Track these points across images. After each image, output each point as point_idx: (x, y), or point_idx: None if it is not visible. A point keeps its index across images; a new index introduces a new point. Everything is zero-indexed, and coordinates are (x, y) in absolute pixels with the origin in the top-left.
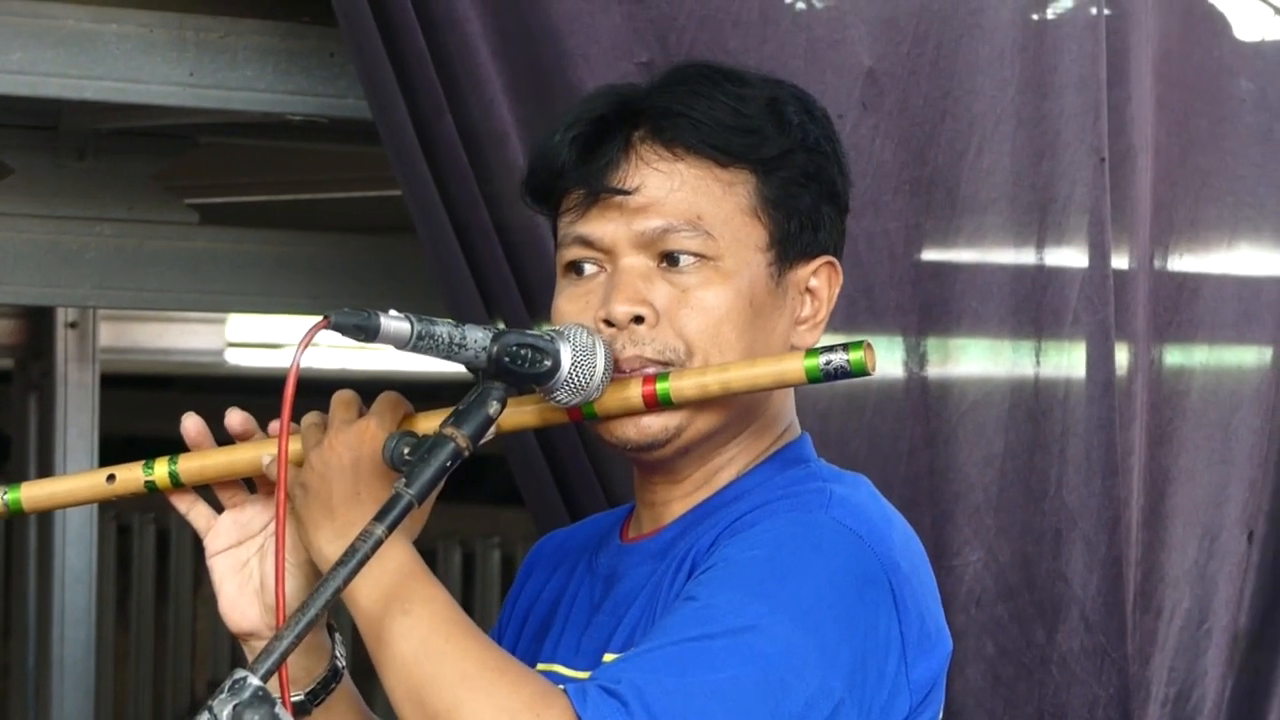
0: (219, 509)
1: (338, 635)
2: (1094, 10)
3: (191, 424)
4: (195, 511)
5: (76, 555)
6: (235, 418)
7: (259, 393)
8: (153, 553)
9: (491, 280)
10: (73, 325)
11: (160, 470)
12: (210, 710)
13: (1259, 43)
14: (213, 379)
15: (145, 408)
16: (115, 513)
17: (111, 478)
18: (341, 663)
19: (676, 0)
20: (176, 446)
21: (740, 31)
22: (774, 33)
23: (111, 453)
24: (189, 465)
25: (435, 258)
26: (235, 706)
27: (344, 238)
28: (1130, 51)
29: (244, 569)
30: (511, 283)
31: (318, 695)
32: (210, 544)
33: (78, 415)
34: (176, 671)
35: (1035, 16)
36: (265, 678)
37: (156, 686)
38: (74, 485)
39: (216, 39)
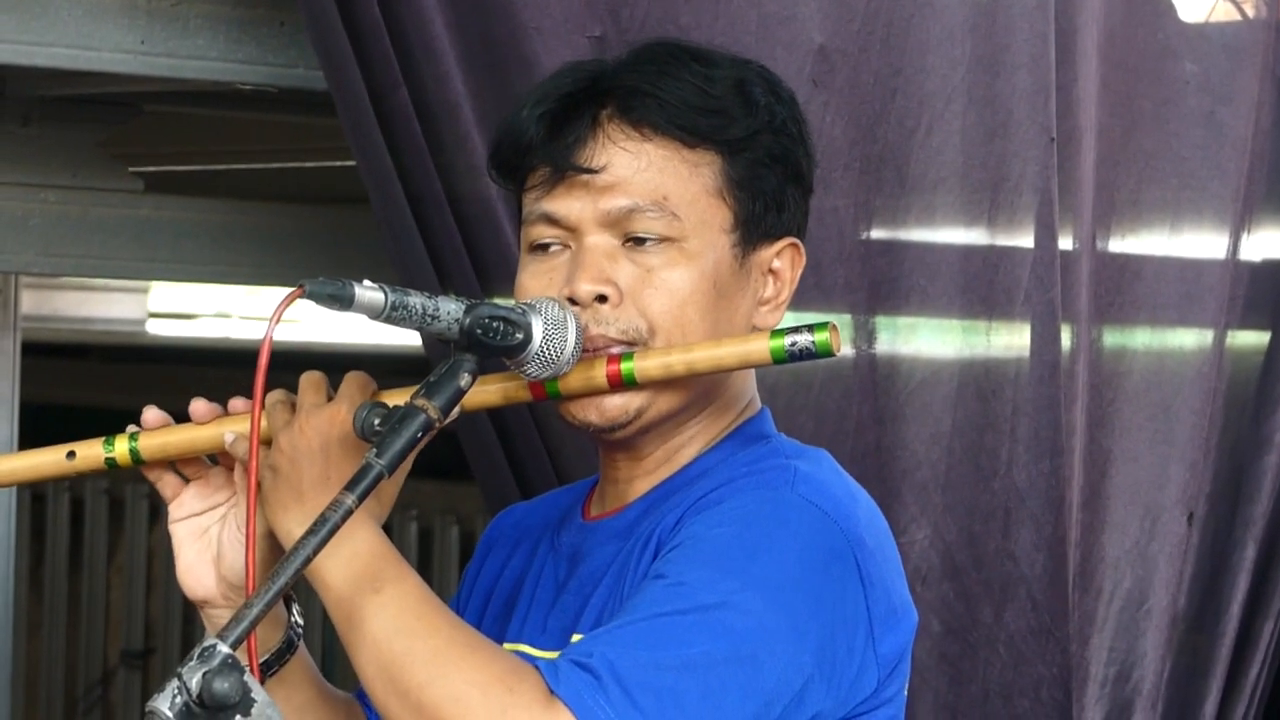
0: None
1: (295, 605)
2: None
3: (152, 415)
4: (164, 481)
5: None
6: (201, 407)
7: (179, 362)
8: (67, 522)
9: (444, 252)
10: None
11: (121, 447)
12: (180, 678)
13: (1202, 25)
14: (133, 348)
15: (64, 376)
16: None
17: (72, 454)
18: (297, 632)
19: None
20: (95, 415)
21: (692, 6)
22: (726, 8)
23: (28, 422)
24: (150, 442)
25: (388, 229)
26: (205, 674)
27: (290, 208)
28: (1077, 32)
29: (204, 536)
30: (464, 254)
31: (271, 665)
32: (173, 511)
33: None
34: (89, 641)
35: None
36: (234, 646)
37: (69, 656)
38: (34, 461)
39: (168, 7)
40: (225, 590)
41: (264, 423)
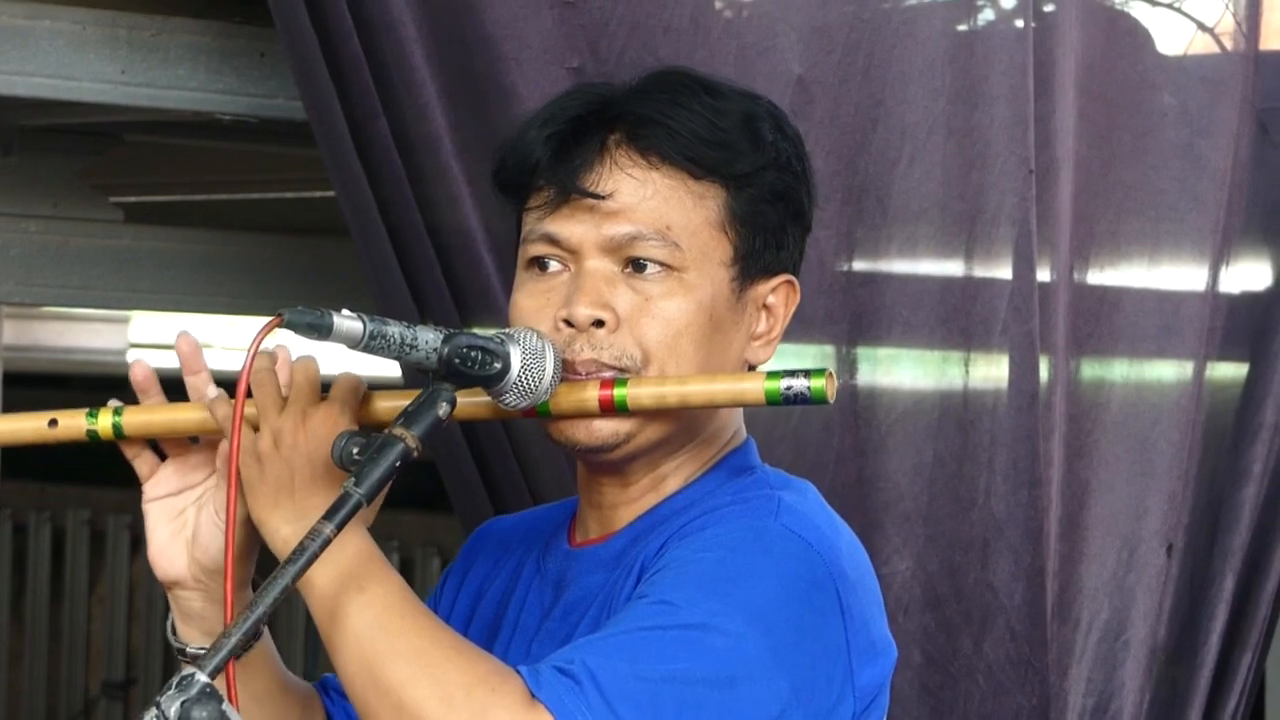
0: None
1: None
2: (1020, 22)
3: (140, 370)
4: (141, 458)
5: None
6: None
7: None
8: (48, 553)
9: (423, 283)
10: None
11: (104, 420)
12: (158, 706)
13: (1181, 57)
14: (114, 378)
15: (45, 406)
16: (10, 511)
17: (54, 422)
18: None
19: (608, 7)
20: (76, 445)
21: (671, 38)
22: (704, 40)
23: (9, 452)
24: (133, 419)
25: (368, 259)
26: (183, 703)
27: (269, 238)
28: (1055, 64)
29: (179, 517)
30: (443, 285)
31: (235, 652)
32: (149, 490)
33: None
34: (71, 672)
35: (963, 27)
36: (213, 675)
37: (51, 687)
38: (16, 426)
39: (149, 37)
40: (196, 573)
41: (250, 407)
